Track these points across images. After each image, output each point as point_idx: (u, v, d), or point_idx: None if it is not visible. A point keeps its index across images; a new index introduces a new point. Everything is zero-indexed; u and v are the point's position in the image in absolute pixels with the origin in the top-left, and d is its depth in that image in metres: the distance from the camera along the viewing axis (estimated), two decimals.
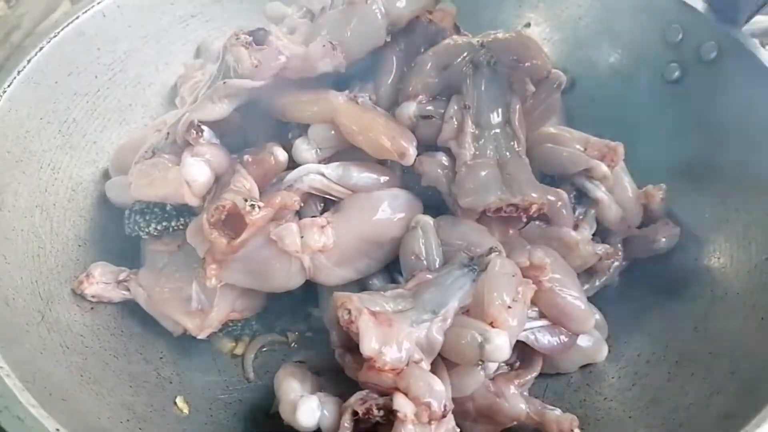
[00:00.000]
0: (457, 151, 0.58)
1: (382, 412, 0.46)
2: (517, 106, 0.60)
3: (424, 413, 0.45)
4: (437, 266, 0.55)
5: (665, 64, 0.74)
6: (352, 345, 0.49)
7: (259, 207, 0.52)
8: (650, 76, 0.76)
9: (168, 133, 0.59)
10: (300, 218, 0.58)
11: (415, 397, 0.46)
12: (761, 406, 0.48)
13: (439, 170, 0.58)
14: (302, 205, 0.57)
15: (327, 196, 0.58)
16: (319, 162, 0.58)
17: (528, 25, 0.84)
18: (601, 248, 0.63)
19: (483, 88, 0.60)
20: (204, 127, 0.57)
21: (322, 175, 0.57)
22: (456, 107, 0.59)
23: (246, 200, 0.52)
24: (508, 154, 0.58)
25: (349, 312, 0.47)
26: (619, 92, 0.78)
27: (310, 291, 0.60)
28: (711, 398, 0.53)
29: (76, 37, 0.70)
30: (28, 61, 0.66)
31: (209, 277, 0.55)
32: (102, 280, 0.60)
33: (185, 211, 0.59)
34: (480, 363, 0.51)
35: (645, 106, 0.76)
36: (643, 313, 0.64)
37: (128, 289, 0.61)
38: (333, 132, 0.58)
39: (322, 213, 0.58)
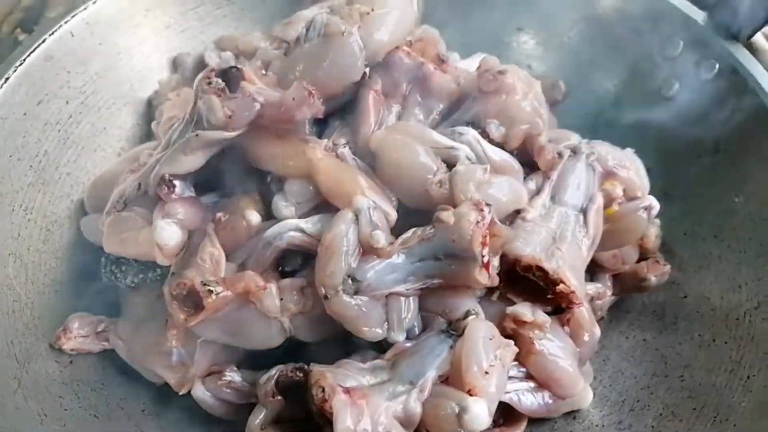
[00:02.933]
0: (525, 207, 0.57)
1: None
2: (600, 203, 0.58)
3: None
4: (416, 333, 0.53)
5: (663, 79, 0.71)
6: (330, 419, 0.48)
7: (216, 293, 0.50)
8: (647, 89, 0.72)
9: (139, 184, 0.56)
10: (280, 271, 0.56)
11: None
12: None
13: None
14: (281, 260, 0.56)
15: (307, 251, 0.56)
16: (300, 217, 0.56)
17: (520, 29, 0.80)
18: (592, 288, 0.61)
19: (572, 172, 0.59)
20: (176, 182, 0.55)
21: (302, 231, 0.54)
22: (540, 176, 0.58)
23: (205, 284, 0.50)
24: (569, 237, 0.56)
25: (323, 390, 0.47)
26: (614, 104, 0.75)
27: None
28: None
29: (43, 62, 0.67)
30: None
31: (169, 340, 0.56)
32: (80, 333, 0.59)
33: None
34: None
35: (640, 120, 0.73)
36: (629, 353, 0.63)
37: (107, 340, 0.60)
38: (311, 186, 0.56)
39: (301, 267, 0.57)
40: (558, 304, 0.55)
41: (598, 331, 0.57)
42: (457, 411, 0.48)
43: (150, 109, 0.75)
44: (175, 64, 0.77)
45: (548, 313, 0.55)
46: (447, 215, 0.51)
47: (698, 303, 0.62)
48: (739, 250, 0.61)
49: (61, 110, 0.68)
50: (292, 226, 0.54)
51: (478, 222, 0.50)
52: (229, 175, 0.60)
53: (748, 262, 0.60)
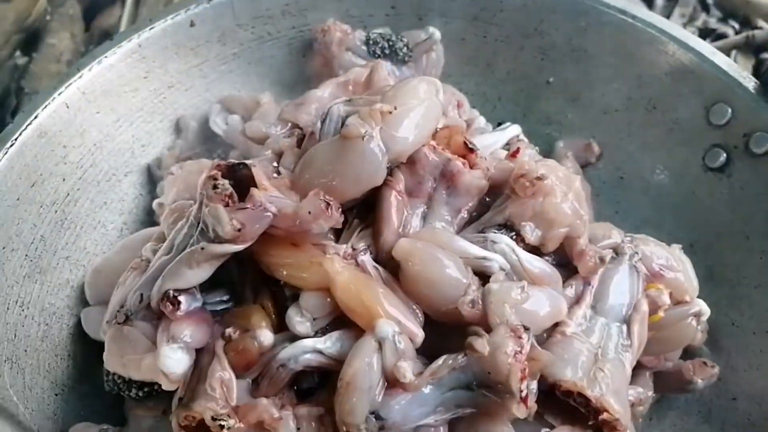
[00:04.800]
0: (564, 319, 0.52)
1: None
2: (645, 311, 0.53)
3: None
4: None
5: (708, 148, 0.65)
6: None
7: (228, 427, 0.46)
8: (689, 157, 0.67)
9: (141, 295, 0.52)
10: (296, 390, 0.52)
11: None
12: None
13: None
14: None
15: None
16: (316, 333, 0.51)
17: (549, 82, 0.74)
18: (633, 394, 0.56)
19: (615, 277, 0.54)
20: (181, 298, 0.50)
21: (320, 352, 0.50)
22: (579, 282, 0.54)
23: (215, 419, 0.46)
24: (612, 353, 0.51)
25: None
26: (652, 170, 0.70)
27: None
28: None
29: (37, 140, 0.62)
30: None
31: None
32: None
33: None
34: None
35: (682, 192, 0.67)
36: None
37: None
38: (328, 299, 0.50)
39: (319, 385, 0.52)
40: (600, 430, 0.50)
41: None
42: None
43: (151, 177, 0.71)
44: (178, 128, 0.72)
45: None
46: (481, 344, 0.46)
47: (749, 408, 0.57)
48: None
49: (57, 189, 0.63)
50: (309, 348, 0.50)
51: (516, 354, 0.45)
52: (240, 278, 0.55)
53: None
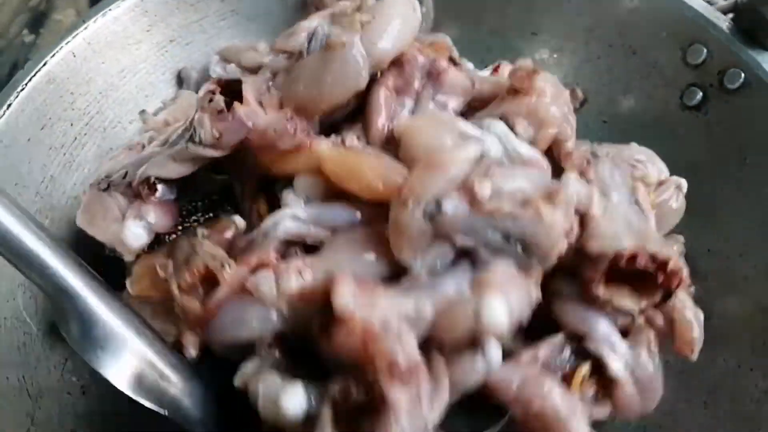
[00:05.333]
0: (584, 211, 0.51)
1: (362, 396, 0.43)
2: (643, 190, 0.55)
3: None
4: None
5: (685, 87, 0.68)
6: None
7: (230, 266, 0.50)
8: (668, 98, 0.70)
9: (126, 173, 0.56)
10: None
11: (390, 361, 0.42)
12: None
13: None
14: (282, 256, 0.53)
15: (307, 242, 0.54)
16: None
17: (534, 33, 0.77)
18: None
19: (605, 170, 0.55)
20: (159, 186, 0.55)
21: (298, 218, 0.52)
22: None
23: (217, 258, 0.50)
24: (635, 220, 0.52)
25: None
26: (633, 113, 0.73)
27: None
28: None
29: (46, 86, 0.65)
30: None
31: (193, 350, 0.53)
32: None
33: None
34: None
35: (661, 131, 0.70)
36: None
37: None
38: (321, 180, 0.54)
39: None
40: (668, 287, 0.49)
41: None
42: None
43: None
44: (180, 79, 0.75)
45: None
46: (547, 211, 0.46)
47: (723, 326, 0.60)
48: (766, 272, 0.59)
49: (65, 133, 0.67)
50: (288, 214, 0.52)
51: (567, 232, 0.47)
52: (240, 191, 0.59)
53: None
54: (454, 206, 0.47)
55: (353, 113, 0.59)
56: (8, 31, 1.06)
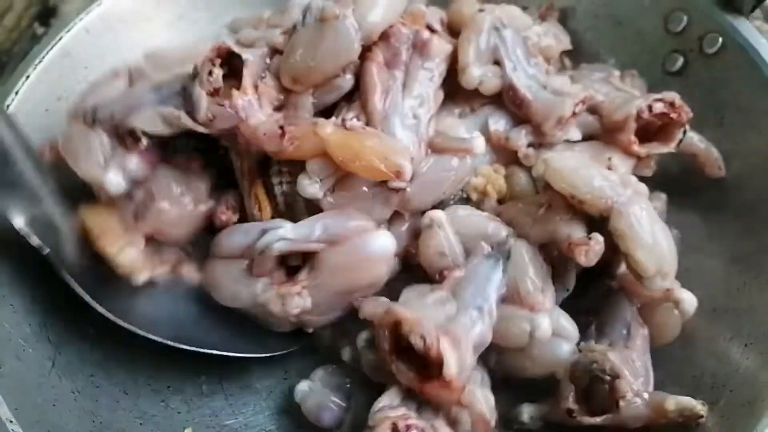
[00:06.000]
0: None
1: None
2: None
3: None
4: (462, 260, 0.56)
5: (667, 54, 0.72)
6: (404, 353, 0.51)
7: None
8: (651, 64, 0.73)
9: (113, 114, 0.59)
10: (285, 266, 0.60)
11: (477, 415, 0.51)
12: None
13: None
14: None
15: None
16: (325, 192, 0.58)
17: (525, 8, 0.80)
18: None
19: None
20: (144, 140, 0.58)
21: (288, 239, 0.57)
22: None
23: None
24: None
25: (423, 338, 0.48)
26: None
27: None
28: None
29: (61, 59, 0.70)
30: (16, 93, 0.66)
31: (294, 295, 0.58)
32: None
33: None
34: None
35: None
36: None
37: None
38: (329, 162, 0.57)
39: (303, 262, 0.59)
40: (681, 120, 0.61)
41: None
42: (529, 330, 0.53)
43: None
44: None
45: None
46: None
47: (700, 275, 0.63)
48: (740, 221, 0.63)
49: None
50: (277, 236, 0.57)
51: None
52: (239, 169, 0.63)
53: (748, 234, 0.62)
54: None
55: (350, 94, 0.62)
56: (20, 24, 1.10)
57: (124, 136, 0.58)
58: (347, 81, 0.60)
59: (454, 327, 0.50)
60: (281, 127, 0.57)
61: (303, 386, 0.60)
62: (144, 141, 0.58)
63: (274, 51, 0.62)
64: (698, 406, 0.51)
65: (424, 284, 0.56)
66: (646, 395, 0.52)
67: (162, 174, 0.61)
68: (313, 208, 0.59)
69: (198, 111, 0.56)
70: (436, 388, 0.49)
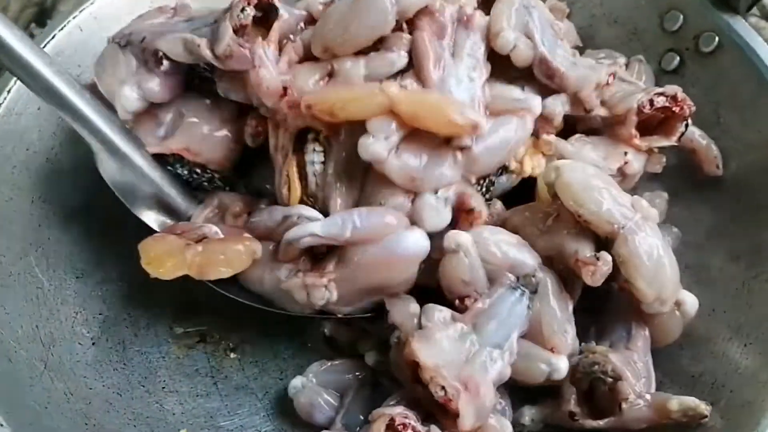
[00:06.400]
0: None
1: None
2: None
3: None
4: (486, 288, 0.55)
5: (663, 53, 0.72)
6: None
7: None
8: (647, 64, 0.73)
9: (144, 38, 0.60)
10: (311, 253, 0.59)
11: None
12: None
13: None
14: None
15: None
16: (390, 151, 0.55)
17: None
18: None
19: None
20: (165, 61, 0.59)
21: (316, 235, 0.55)
22: None
23: None
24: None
25: (444, 390, 0.49)
26: None
27: None
28: None
29: (54, 58, 0.68)
30: (8, 92, 0.65)
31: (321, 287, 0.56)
32: None
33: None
34: None
35: None
36: None
37: None
38: (393, 119, 0.56)
39: (328, 251, 0.58)
40: (683, 114, 0.61)
41: None
42: (547, 371, 0.53)
43: None
44: None
45: None
46: None
47: (699, 274, 0.63)
48: (738, 220, 0.63)
49: None
50: (307, 231, 0.55)
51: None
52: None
53: (747, 233, 0.61)
54: None
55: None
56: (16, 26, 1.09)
57: (148, 58, 0.59)
58: (402, 58, 0.58)
59: (474, 373, 0.49)
60: (285, 88, 0.57)
61: (296, 382, 0.60)
62: (165, 63, 0.59)
63: (311, 19, 0.61)
64: (702, 406, 0.51)
65: (443, 308, 0.55)
66: (648, 396, 0.52)
67: (191, 96, 0.63)
68: (346, 191, 0.58)
69: (219, 44, 0.55)
70: (450, 423, 0.50)
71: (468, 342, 0.51)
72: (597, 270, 0.52)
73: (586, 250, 0.53)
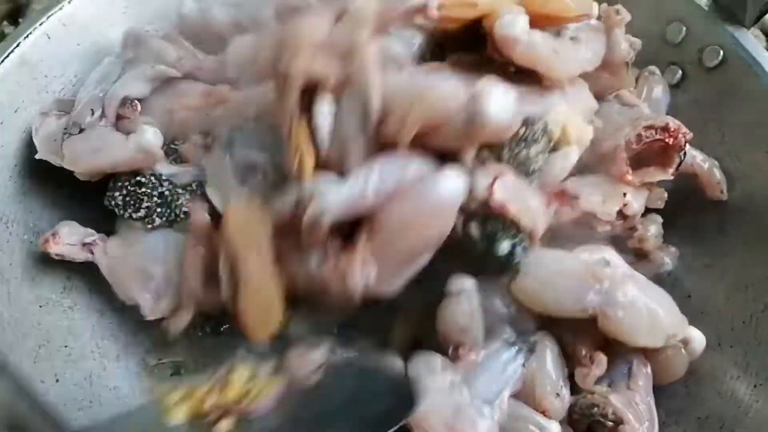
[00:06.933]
0: None
1: None
2: None
3: None
4: (481, 340, 0.52)
5: (665, 66, 0.68)
6: None
7: None
8: None
9: (92, 110, 0.59)
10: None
11: None
12: None
13: None
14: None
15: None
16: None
17: None
18: None
19: None
20: (136, 102, 0.59)
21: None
22: None
23: None
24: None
25: None
26: None
27: None
28: None
29: (19, 68, 0.64)
30: None
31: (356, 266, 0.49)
32: (68, 241, 0.61)
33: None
34: None
35: None
36: None
37: (92, 253, 0.61)
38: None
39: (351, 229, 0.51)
40: (679, 145, 0.56)
41: None
42: None
43: None
44: None
45: None
46: None
47: (703, 304, 0.60)
48: (745, 247, 0.59)
49: None
50: (325, 204, 0.48)
51: None
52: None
53: (754, 261, 0.58)
54: None
55: None
56: None
57: (122, 113, 0.59)
58: None
59: (463, 425, 0.47)
60: None
61: None
62: (138, 105, 0.60)
63: None
64: None
65: (435, 355, 0.52)
66: None
67: None
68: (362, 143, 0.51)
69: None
70: None
71: (457, 393, 0.49)
72: (589, 375, 0.51)
73: (584, 346, 0.53)
